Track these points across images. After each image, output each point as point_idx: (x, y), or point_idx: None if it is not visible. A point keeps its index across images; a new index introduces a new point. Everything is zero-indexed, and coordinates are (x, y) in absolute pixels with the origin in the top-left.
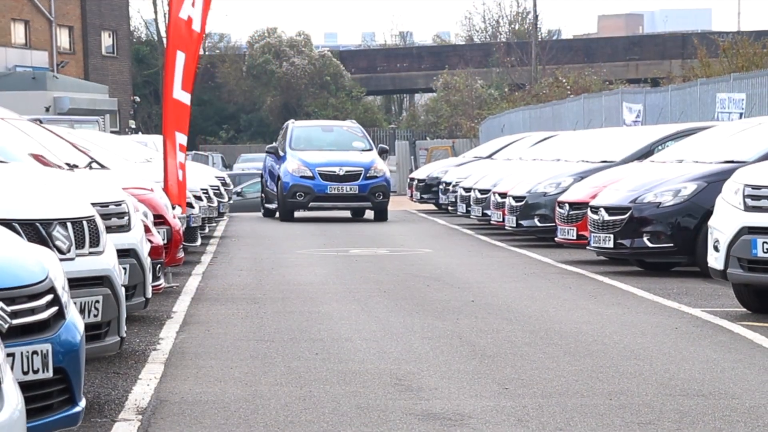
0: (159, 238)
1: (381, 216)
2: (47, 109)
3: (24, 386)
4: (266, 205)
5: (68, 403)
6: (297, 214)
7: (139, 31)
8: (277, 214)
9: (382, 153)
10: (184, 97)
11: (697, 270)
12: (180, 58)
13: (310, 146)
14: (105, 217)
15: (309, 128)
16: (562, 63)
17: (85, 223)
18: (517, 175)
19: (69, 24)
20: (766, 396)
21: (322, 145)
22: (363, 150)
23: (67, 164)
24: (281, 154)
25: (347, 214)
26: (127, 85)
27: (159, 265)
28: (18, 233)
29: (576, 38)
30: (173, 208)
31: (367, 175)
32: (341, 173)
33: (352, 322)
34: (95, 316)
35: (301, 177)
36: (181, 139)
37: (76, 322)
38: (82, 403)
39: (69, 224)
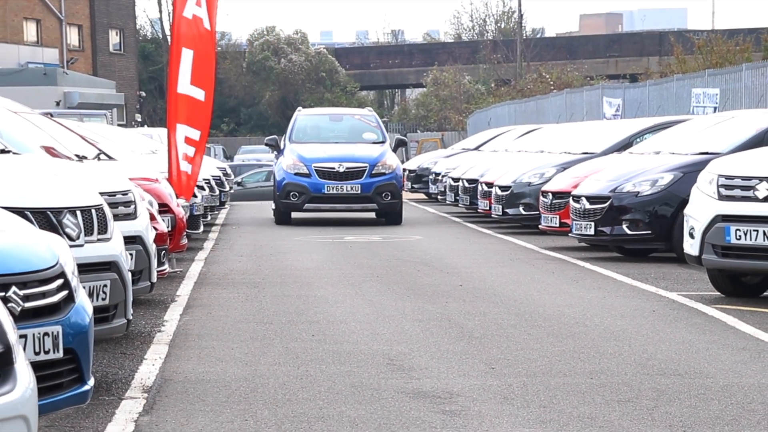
0: (164, 226)
1: (392, 219)
2: (58, 104)
3: (36, 366)
4: (273, 203)
5: (77, 381)
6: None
7: (144, 29)
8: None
9: (399, 146)
10: (195, 92)
11: (674, 256)
12: (187, 54)
13: (312, 138)
14: (112, 205)
15: (315, 117)
16: (545, 60)
17: (93, 211)
18: (503, 165)
19: (78, 23)
20: (739, 375)
21: (328, 136)
22: (374, 142)
23: (77, 155)
24: (281, 147)
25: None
26: (134, 80)
27: (164, 251)
28: (30, 221)
29: (559, 36)
30: (177, 197)
31: (373, 171)
32: (341, 170)
33: (346, 305)
34: (103, 299)
35: (296, 174)
36: (190, 132)
37: (85, 305)
38: (91, 382)
39: (78, 212)
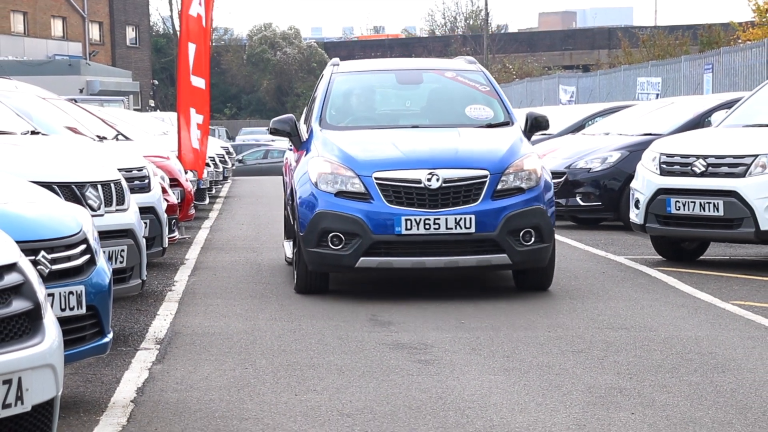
0: (174, 198)
1: (535, 280)
2: (81, 91)
3: (61, 321)
4: (285, 243)
5: (98, 335)
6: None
7: (157, 25)
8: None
9: (534, 128)
10: (197, 82)
11: (621, 224)
12: (191, 48)
13: (364, 119)
14: (129, 180)
15: (367, 77)
16: (508, 52)
17: (112, 185)
18: None
19: (99, 20)
20: (678, 329)
21: (396, 114)
22: (490, 125)
23: (97, 136)
24: (304, 137)
25: None
26: (148, 70)
27: (174, 220)
28: (57, 194)
29: (520, 32)
30: (186, 173)
31: (498, 187)
32: (434, 185)
33: None
34: (121, 262)
35: (339, 195)
36: (195, 117)
37: (105, 267)
38: (110, 335)
39: (99, 186)
